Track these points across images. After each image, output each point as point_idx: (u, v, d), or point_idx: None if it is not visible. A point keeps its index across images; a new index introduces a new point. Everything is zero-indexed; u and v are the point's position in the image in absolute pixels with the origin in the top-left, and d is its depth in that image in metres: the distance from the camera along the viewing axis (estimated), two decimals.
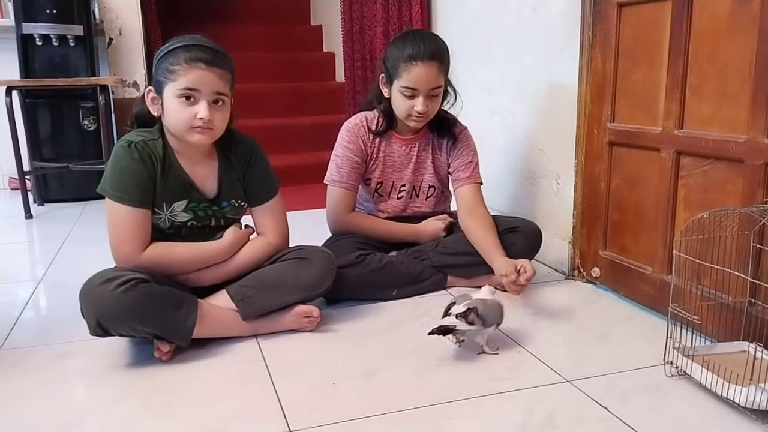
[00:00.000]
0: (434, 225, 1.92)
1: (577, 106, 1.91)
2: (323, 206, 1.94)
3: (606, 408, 1.23)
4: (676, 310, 1.33)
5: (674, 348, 1.34)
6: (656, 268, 1.69)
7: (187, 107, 1.43)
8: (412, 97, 1.78)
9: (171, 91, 1.43)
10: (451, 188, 1.99)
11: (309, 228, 1.79)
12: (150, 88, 1.48)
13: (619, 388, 1.31)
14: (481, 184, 1.93)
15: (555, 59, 2.03)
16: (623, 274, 1.80)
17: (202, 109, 1.43)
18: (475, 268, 1.82)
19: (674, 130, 1.59)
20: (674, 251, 1.33)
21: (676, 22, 1.55)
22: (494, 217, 1.89)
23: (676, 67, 1.56)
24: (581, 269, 1.97)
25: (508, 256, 1.76)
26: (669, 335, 1.35)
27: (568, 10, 1.93)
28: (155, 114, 1.49)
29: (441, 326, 1.39)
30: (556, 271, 2.06)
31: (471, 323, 1.40)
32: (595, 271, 1.91)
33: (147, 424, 1.21)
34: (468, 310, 1.41)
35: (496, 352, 1.47)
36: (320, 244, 1.75)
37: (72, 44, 3.28)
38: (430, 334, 1.39)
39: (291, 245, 1.67)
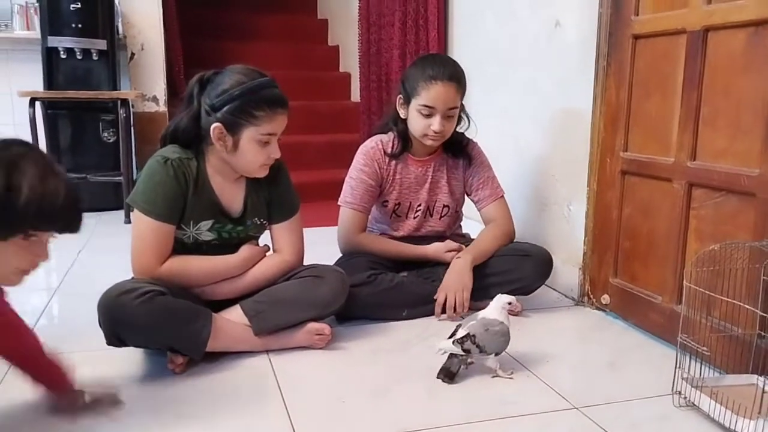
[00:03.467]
0: (441, 252, 1.91)
1: (590, 134, 1.93)
2: (334, 224, 1.97)
3: None
4: (685, 340, 1.34)
5: (683, 378, 1.35)
6: (666, 297, 1.70)
7: (263, 149, 1.52)
8: (429, 116, 1.82)
9: (251, 135, 1.49)
10: (475, 208, 2.02)
11: (319, 245, 1.81)
12: (218, 125, 1.48)
13: (627, 417, 1.32)
14: (503, 194, 1.98)
15: (569, 87, 2.06)
16: (633, 302, 1.81)
17: (276, 151, 1.55)
18: (483, 291, 1.83)
19: (687, 161, 1.61)
20: (685, 282, 1.34)
21: (690, 55, 1.58)
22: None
23: (689, 100, 1.59)
24: (591, 296, 1.98)
25: (517, 281, 1.84)
26: (678, 365, 1.35)
27: (583, 40, 1.96)
28: (223, 150, 1.51)
29: (442, 368, 1.46)
30: (566, 297, 2.07)
31: (467, 351, 1.42)
32: (605, 299, 1.92)
33: None
34: (466, 336, 1.43)
35: (510, 376, 1.48)
36: (330, 262, 1.78)
37: (95, 58, 3.35)
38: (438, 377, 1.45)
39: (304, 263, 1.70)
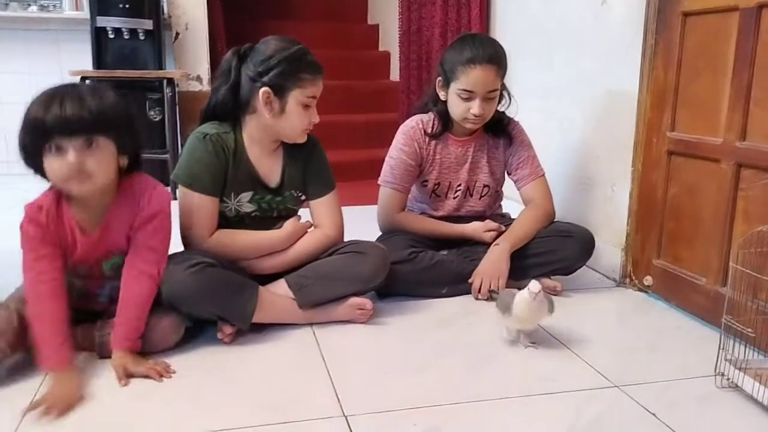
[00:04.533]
0: (480, 231, 1.92)
1: (636, 114, 1.91)
2: (373, 203, 2.00)
3: (654, 414, 1.25)
4: (729, 322, 1.33)
5: (726, 360, 1.34)
6: (710, 279, 1.68)
7: (306, 112, 1.58)
8: (468, 99, 1.81)
9: (297, 97, 1.56)
10: (515, 187, 2.02)
11: (358, 224, 1.83)
12: (266, 89, 1.54)
13: (667, 396, 1.32)
14: (543, 174, 1.98)
15: (615, 66, 2.03)
16: (676, 283, 1.80)
17: (315, 115, 1.62)
18: (524, 271, 1.84)
19: (736, 141, 1.58)
20: (731, 263, 1.33)
21: (743, 32, 1.54)
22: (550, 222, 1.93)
23: (740, 79, 1.55)
24: (633, 277, 1.97)
25: (558, 261, 1.85)
26: (721, 347, 1.35)
27: (631, 18, 1.92)
28: (269, 115, 1.57)
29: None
30: (607, 278, 2.06)
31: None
32: (648, 280, 1.91)
33: (211, 397, 1.29)
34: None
35: (532, 345, 1.52)
36: (370, 240, 1.79)
37: (141, 38, 3.42)
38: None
39: (345, 240, 1.73)
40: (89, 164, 1.28)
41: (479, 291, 1.81)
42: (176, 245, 1.57)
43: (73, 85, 1.34)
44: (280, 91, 1.55)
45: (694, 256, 1.74)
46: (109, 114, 1.30)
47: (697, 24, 1.70)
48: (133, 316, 1.39)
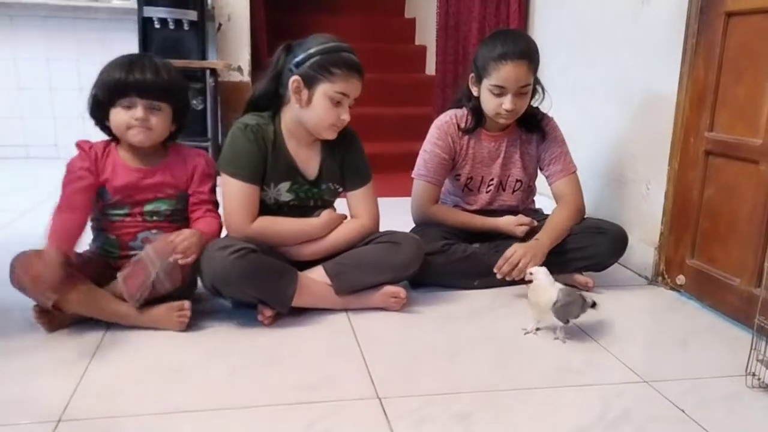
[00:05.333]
0: (513, 225, 1.93)
1: (674, 113, 1.91)
2: (406, 195, 2.04)
3: (683, 411, 1.27)
4: (763, 323, 1.33)
5: (758, 360, 1.35)
6: (745, 280, 1.68)
7: (334, 109, 1.61)
8: (500, 95, 1.83)
9: (325, 90, 1.59)
10: (546, 182, 2.03)
11: (393, 215, 1.87)
12: (297, 78, 1.59)
13: (697, 393, 1.34)
14: (575, 170, 1.98)
15: (654, 64, 2.03)
16: (709, 283, 1.80)
17: (346, 113, 1.63)
18: (556, 266, 1.85)
19: None
20: (766, 264, 1.34)
21: None
22: (583, 218, 1.94)
23: None
24: (666, 276, 1.98)
25: (591, 257, 1.87)
26: (753, 347, 1.35)
27: (672, 17, 1.92)
28: (297, 104, 1.62)
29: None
30: (639, 276, 2.07)
31: None
32: (680, 279, 1.91)
33: (250, 376, 1.35)
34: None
35: (561, 338, 1.56)
36: (404, 231, 1.83)
37: (186, 28, 3.51)
38: None
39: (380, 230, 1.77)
40: (152, 120, 1.53)
41: (509, 263, 1.76)
42: None
43: (148, 56, 1.58)
44: (310, 81, 1.59)
45: (729, 257, 1.74)
46: (174, 85, 1.57)
47: (740, 24, 1.69)
48: (203, 226, 1.58)
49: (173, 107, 1.57)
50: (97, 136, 1.62)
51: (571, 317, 1.56)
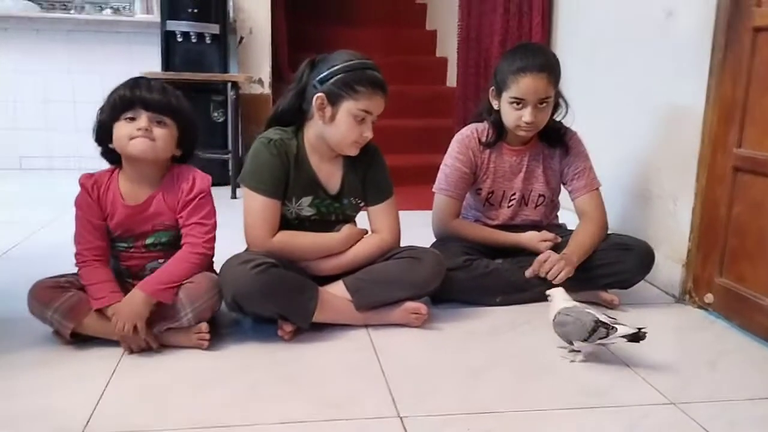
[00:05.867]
0: (536, 241, 1.91)
1: (701, 129, 1.87)
2: (427, 208, 2.02)
3: None
4: None
5: None
6: None
7: (357, 126, 1.61)
8: (520, 107, 1.82)
9: (349, 107, 1.59)
10: (569, 197, 2.00)
11: (413, 228, 1.85)
12: (321, 95, 1.59)
13: (727, 416, 1.30)
14: (599, 186, 1.95)
15: (680, 78, 2.00)
16: (738, 302, 1.76)
17: (369, 131, 1.63)
18: (580, 283, 1.82)
19: None
20: None
21: None
22: (608, 235, 1.91)
23: None
24: (693, 294, 1.93)
25: (617, 273, 1.83)
26: None
27: (698, 31, 1.89)
28: (321, 121, 1.62)
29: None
30: (666, 293, 2.03)
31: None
32: (708, 297, 1.87)
33: (270, 392, 1.34)
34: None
35: (578, 359, 1.53)
36: (424, 245, 1.81)
37: (208, 42, 3.56)
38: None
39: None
40: (156, 132, 1.51)
41: (549, 261, 1.78)
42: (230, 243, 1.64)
43: (156, 79, 1.58)
44: (334, 98, 1.59)
45: (758, 276, 1.70)
46: (182, 108, 1.56)
47: None
48: (171, 268, 1.52)
49: (179, 128, 1.55)
50: None
51: (571, 339, 1.51)
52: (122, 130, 1.50)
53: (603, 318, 1.48)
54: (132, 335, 1.45)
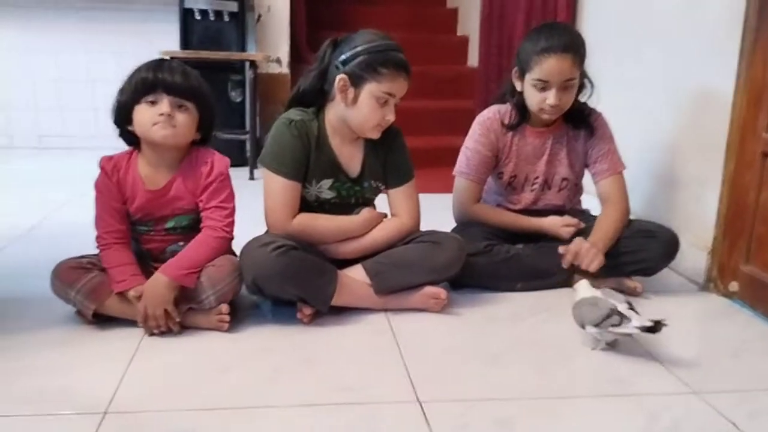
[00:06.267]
0: (558, 226, 1.89)
1: (730, 112, 1.83)
2: (446, 191, 2.00)
3: (734, 423, 1.22)
4: None
5: None
6: None
7: (380, 108, 1.59)
8: (544, 89, 1.78)
9: (372, 90, 1.57)
10: (591, 180, 1.96)
11: (432, 211, 1.83)
12: (344, 76, 1.57)
13: (749, 406, 1.29)
14: (623, 169, 1.92)
15: (709, 60, 1.95)
16: (764, 290, 1.73)
17: (391, 113, 1.60)
18: (604, 270, 1.79)
19: None
20: None
21: None
22: (631, 221, 1.87)
23: None
24: (718, 282, 1.90)
25: (641, 261, 1.81)
26: None
27: (728, 12, 1.84)
28: (343, 103, 1.60)
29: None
30: (690, 281, 1.99)
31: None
32: (733, 286, 1.84)
33: (288, 374, 1.35)
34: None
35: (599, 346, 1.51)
36: (443, 228, 1.80)
37: (226, 19, 3.53)
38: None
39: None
40: (178, 117, 1.50)
41: (572, 252, 1.75)
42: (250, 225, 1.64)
43: (176, 61, 1.58)
44: (356, 80, 1.57)
45: None
46: (202, 92, 1.55)
47: None
48: (192, 253, 1.52)
49: (199, 111, 1.54)
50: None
51: (584, 322, 1.48)
52: (144, 114, 1.49)
53: (621, 307, 1.45)
54: (157, 319, 1.45)
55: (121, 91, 1.52)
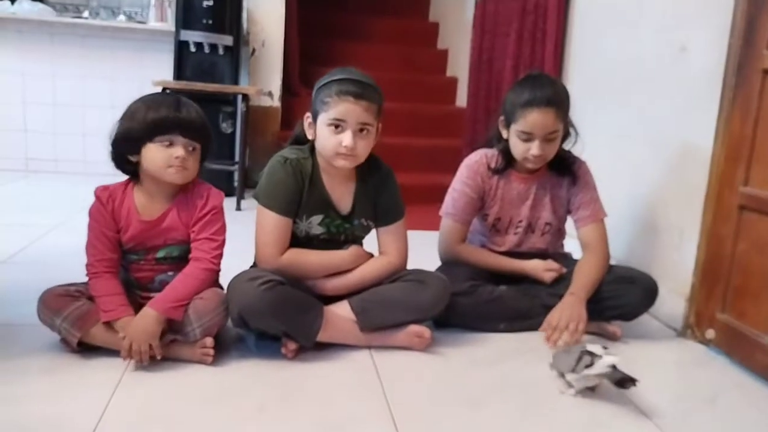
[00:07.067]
0: (540, 270, 1.92)
1: (709, 165, 1.89)
2: (432, 228, 2.04)
3: None
4: None
5: None
6: None
7: (334, 135, 1.60)
8: (528, 140, 1.83)
9: (323, 120, 1.61)
10: (573, 226, 2.01)
11: (418, 248, 1.85)
12: (308, 114, 1.66)
13: None
14: (605, 217, 1.96)
15: (690, 114, 2.02)
16: (739, 339, 1.77)
17: (346, 138, 1.59)
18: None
19: None
20: None
21: None
22: (611, 266, 1.92)
23: None
24: (695, 329, 1.94)
25: (620, 306, 1.84)
26: None
27: (709, 68, 1.92)
28: (310, 137, 1.67)
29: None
30: (668, 327, 2.03)
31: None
32: (710, 333, 1.88)
33: (271, 410, 1.35)
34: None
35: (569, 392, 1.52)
36: (429, 265, 1.83)
37: (221, 53, 3.58)
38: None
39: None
40: (189, 161, 1.53)
41: (558, 330, 1.71)
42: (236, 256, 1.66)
43: (184, 98, 1.59)
44: (314, 115, 1.64)
45: (760, 313, 1.71)
46: (208, 129, 1.60)
47: None
48: (180, 285, 1.53)
49: (203, 148, 1.59)
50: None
51: (562, 370, 1.52)
52: (157, 154, 1.51)
53: (592, 347, 1.48)
54: (141, 354, 1.45)
55: (129, 123, 1.51)
